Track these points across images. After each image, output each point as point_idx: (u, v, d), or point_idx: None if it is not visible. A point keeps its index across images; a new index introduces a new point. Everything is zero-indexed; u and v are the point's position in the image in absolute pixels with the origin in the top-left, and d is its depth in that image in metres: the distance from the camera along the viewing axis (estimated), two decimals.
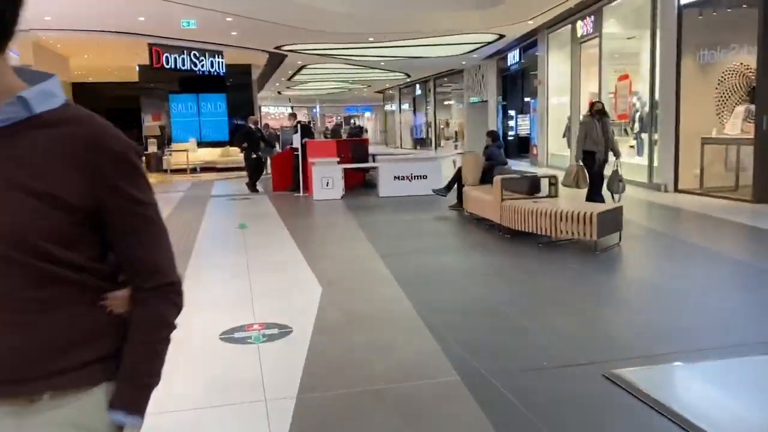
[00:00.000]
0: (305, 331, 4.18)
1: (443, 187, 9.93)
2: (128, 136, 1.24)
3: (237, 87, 22.61)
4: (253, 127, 13.49)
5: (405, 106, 37.93)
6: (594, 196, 8.42)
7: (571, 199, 7.87)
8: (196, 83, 22.01)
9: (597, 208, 6.67)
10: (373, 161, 13.71)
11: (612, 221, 6.57)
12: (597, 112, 8.54)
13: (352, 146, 13.61)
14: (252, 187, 13.32)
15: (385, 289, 5.25)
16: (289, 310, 4.68)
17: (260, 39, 17.14)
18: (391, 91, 39.64)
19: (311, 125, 27.19)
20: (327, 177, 11.62)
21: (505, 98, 23.71)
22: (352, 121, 58.43)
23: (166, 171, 19.73)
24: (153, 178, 18.02)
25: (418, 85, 33.70)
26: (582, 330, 4.21)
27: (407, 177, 11.84)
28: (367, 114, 58.35)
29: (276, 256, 6.70)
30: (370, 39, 17.41)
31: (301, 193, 12.52)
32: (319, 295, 5.07)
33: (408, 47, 19.49)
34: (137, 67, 21.49)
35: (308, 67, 24.56)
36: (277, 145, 15.65)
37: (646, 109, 12.55)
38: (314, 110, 56.99)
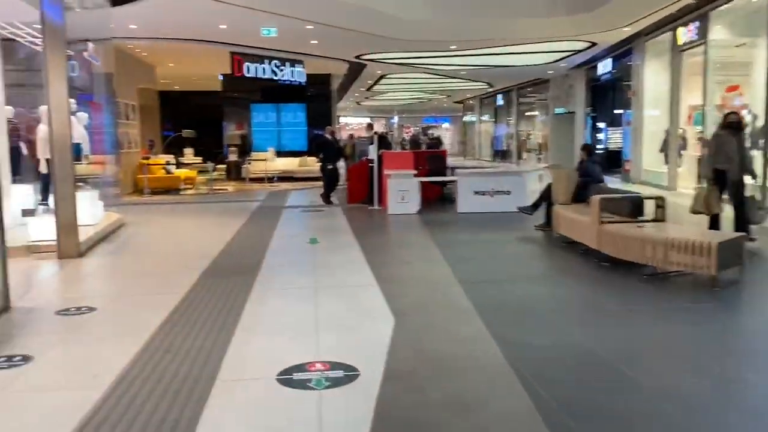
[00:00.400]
0: (374, 377, 3.59)
1: (530, 205, 9.15)
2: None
3: (316, 97, 22.54)
4: (329, 137, 13.14)
5: (485, 117, 37.01)
6: (740, 224, 7.22)
7: (682, 225, 6.93)
8: (276, 93, 22.10)
9: (716, 236, 5.74)
10: (452, 174, 13.05)
11: (733, 252, 5.64)
12: (732, 124, 7.45)
13: (430, 158, 13.01)
14: (326, 198, 12.96)
15: (466, 325, 4.59)
16: (357, 347, 4.11)
17: (340, 48, 16.87)
18: (471, 101, 38.81)
19: (388, 136, 26.86)
20: (403, 190, 11.06)
21: (595, 109, 22.46)
22: (429, 131, 57.95)
23: (244, 179, 19.82)
24: (231, 186, 18.08)
25: (500, 95, 32.73)
26: (718, 401, 3.39)
27: (488, 192, 11.11)
28: (445, 124, 57.69)
29: (346, 278, 6.18)
30: (452, 47, 16.79)
31: (376, 206, 12.02)
32: (391, 328, 4.48)
33: (491, 56, 18.74)
34: (220, 77, 21.81)
35: (388, 76, 24.21)
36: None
37: (759, 123, 11.27)
38: (392, 120, 56.91)
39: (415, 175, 11.30)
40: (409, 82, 27.25)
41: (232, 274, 6.21)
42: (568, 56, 19.44)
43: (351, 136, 21.37)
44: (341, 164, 13.74)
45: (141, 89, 22.53)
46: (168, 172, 17.31)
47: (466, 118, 41.77)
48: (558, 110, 25.21)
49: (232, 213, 11.78)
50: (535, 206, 8.95)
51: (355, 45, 16.32)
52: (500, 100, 33.11)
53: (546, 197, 8.77)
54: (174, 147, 27.18)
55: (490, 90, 31.89)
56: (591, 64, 21.03)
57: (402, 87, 29.62)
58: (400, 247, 8.12)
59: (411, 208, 11.05)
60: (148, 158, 20.44)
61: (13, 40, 10.45)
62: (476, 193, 11.11)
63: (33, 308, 5.08)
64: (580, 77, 22.89)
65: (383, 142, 12.78)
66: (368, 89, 29.14)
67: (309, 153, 21.91)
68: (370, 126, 13.48)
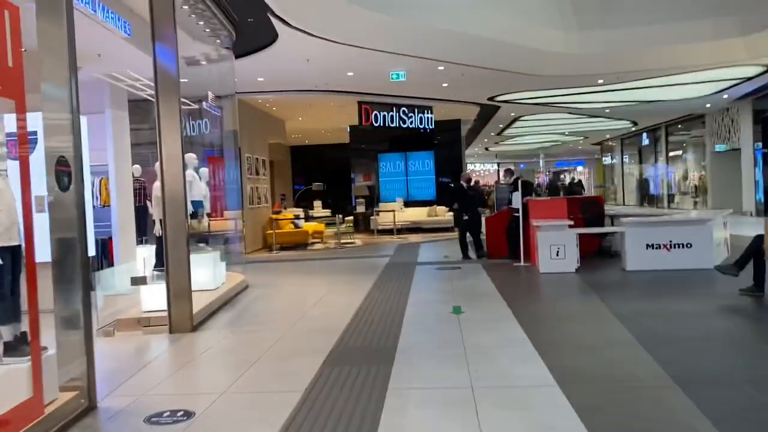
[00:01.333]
0: None
1: (733, 263, 7.17)
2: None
3: (445, 144, 21.49)
4: (465, 185, 11.82)
5: (626, 158, 34.11)
6: None
7: None
8: (404, 141, 21.36)
9: None
10: (612, 223, 11.20)
11: None
12: None
13: (584, 205, 11.25)
14: (464, 253, 11.58)
15: None
16: None
17: (472, 90, 15.71)
18: (611, 142, 36.07)
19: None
20: (557, 244, 9.41)
21: (766, 145, 19.45)
22: (562, 175, 54.99)
23: (372, 231, 18.96)
24: (359, 239, 17.21)
25: (645, 134, 29.96)
26: None
27: (665, 245, 9.16)
28: (579, 168, 54.60)
29: (510, 370, 4.68)
30: (600, 81, 15.04)
31: (522, 263, 10.43)
32: None
33: (641, 89, 16.70)
34: (348, 129, 21.43)
35: (521, 119, 22.69)
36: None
37: None
38: (521, 166, 54.89)
39: (571, 226, 9.63)
40: (545, 124, 25.51)
41: (363, 362, 4.93)
42: (733, 85, 16.94)
43: (477, 182, 20.00)
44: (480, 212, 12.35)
45: (272, 144, 22.71)
46: (296, 226, 16.80)
47: (606, 160, 38.88)
48: (719, 148, 22.28)
49: (361, 270, 10.71)
50: (741, 264, 6.97)
51: (489, 85, 15.08)
52: (645, 140, 30.29)
53: (756, 253, 6.79)
54: (304, 201, 27.36)
55: (634, 129, 29.26)
56: (759, 93, 18.28)
57: (536, 129, 27.89)
58: (570, 321, 6.48)
59: (568, 265, 9.35)
60: (279, 212, 20.29)
61: (147, 100, 10.29)
62: (649, 246, 9.20)
63: (120, 411, 4.08)
64: (745, 109, 20.06)
65: (527, 188, 11.25)
66: (499, 133, 27.71)
67: (438, 202, 20.78)
68: (509, 171, 12.04)
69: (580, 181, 30.10)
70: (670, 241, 9.16)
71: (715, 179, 22.82)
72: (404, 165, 21.73)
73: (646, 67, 13.93)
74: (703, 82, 16.30)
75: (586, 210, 10.94)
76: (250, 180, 15.31)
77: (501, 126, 24.42)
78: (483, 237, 11.85)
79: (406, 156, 21.65)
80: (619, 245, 10.21)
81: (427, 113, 17.60)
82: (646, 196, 30.59)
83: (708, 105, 20.84)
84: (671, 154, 28.15)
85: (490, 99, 17.10)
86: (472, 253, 11.69)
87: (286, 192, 29.12)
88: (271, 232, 14.95)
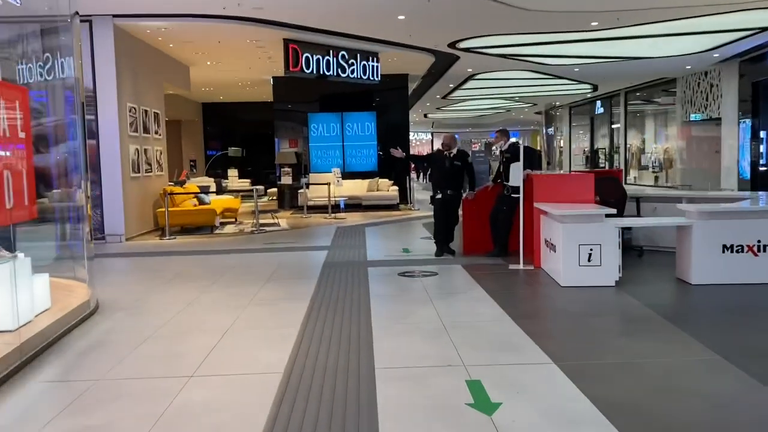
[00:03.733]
0: None
1: None
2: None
3: (388, 105, 17.93)
4: (447, 153, 8.39)
5: (574, 128, 31.73)
6: None
7: None
8: (340, 100, 17.67)
9: None
10: (637, 209, 8.11)
11: None
12: None
13: (599, 182, 8.06)
14: (440, 247, 8.23)
15: None
16: None
17: (434, 29, 12.18)
18: (557, 111, 33.58)
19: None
20: (589, 244, 6.16)
21: (756, 114, 17.05)
22: (493, 147, 52.66)
23: (301, 209, 15.31)
24: (284, 219, 13.51)
25: (599, 102, 27.48)
26: None
27: (750, 247, 6.09)
28: (513, 139, 52.36)
29: None
30: (593, 23, 11.87)
31: (521, 264, 7.19)
32: None
33: (631, 38, 13.72)
34: (271, 81, 17.49)
35: (476, 77, 19.40)
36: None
37: None
38: (456, 136, 51.95)
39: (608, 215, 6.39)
40: (497, 86, 22.37)
41: None
42: (735, 40, 14.24)
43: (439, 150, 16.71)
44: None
45: (172, 96, 18.38)
46: (202, 202, 12.91)
47: (550, 131, 36.48)
48: (694, 117, 19.85)
49: (286, 276, 7.14)
50: None
51: (457, 22, 11.60)
52: (600, 108, 27.83)
53: None
54: (219, 168, 23.21)
55: (590, 95, 26.68)
56: (753, 53, 15.75)
57: (484, 93, 24.75)
58: (677, 401, 3.21)
59: (605, 275, 6.14)
60: (183, 183, 16.22)
61: None
62: (726, 248, 6.10)
63: None
64: (730, 73, 17.55)
65: (531, 157, 7.93)
66: (445, 96, 24.40)
67: (380, 174, 17.32)
68: (503, 133, 8.66)
69: (538, 150, 27.29)
70: (759, 242, 6.09)
71: (687, 153, 20.47)
72: (340, 128, 18.06)
73: (652, 5, 10.84)
74: (706, 32, 13.49)
75: (601, 190, 7.73)
76: (134, 139, 11.27)
77: (451, 86, 21.07)
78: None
79: (342, 117, 17.98)
80: (637, 240, 7.10)
81: (372, 60, 13.96)
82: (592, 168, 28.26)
83: (688, 67, 18.25)
84: (632, 124, 25.78)
85: (452, 45, 13.65)
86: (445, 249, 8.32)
87: (196, 157, 24.88)
88: (163, 210, 11.06)
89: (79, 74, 6.30)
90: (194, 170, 23.69)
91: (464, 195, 8.33)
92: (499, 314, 5.20)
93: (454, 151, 8.26)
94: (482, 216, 8.27)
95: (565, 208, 6.51)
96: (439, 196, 8.14)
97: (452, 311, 5.38)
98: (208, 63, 14.89)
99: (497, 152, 8.66)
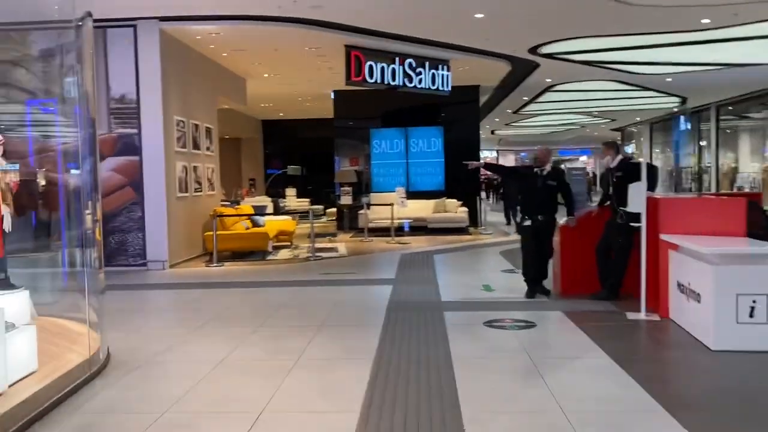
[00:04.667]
0: None
1: None
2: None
3: (457, 119, 16.48)
4: (539, 170, 6.85)
5: (656, 145, 29.38)
6: None
7: None
8: (404, 114, 16.39)
9: None
10: None
11: None
12: None
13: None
14: (533, 285, 6.69)
15: None
16: None
17: (517, 30, 10.74)
18: (635, 127, 31.29)
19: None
20: (754, 293, 4.52)
21: None
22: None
23: (361, 231, 14.04)
24: (342, 244, 12.23)
25: (682, 118, 25.22)
26: None
27: None
28: (583, 158, 49.94)
29: None
30: (705, 21, 10.14)
31: (643, 313, 5.58)
32: None
33: (745, 40, 11.86)
34: (332, 95, 16.40)
35: (553, 89, 17.75)
36: None
37: None
38: (522, 155, 50.27)
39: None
40: (576, 98, 20.61)
41: None
42: None
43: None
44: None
45: (228, 112, 17.56)
46: (256, 224, 11.81)
47: (627, 149, 34.09)
48: None
49: (342, 324, 5.79)
50: None
51: (545, 20, 10.11)
52: (684, 124, 25.54)
53: None
54: (280, 187, 22.32)
55: (676, 110, 24.46)
56: None
57: (560, 107, 22.99)
58: None
59: None
60: (238, 202, 15.26)
61: None
62: None
63: None
64: None
65: (652, 177, 6.31)
66: (517, 110, 22.78)
67: (448, 194, 15.84)
68: (610, 146, 6.96)
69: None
70: None
71: None
72: (404, 145, 16.75)
73: None
74: None
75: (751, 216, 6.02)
76: (181, 156, 10.26)
77: (525, 99, 19.46)
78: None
79: (407, 133, 16.69)
80: None
81: (443, 69, 12.60)
82: (679, 191, 25.85)
83: None
84: (726, 142, 23.38)
85: (532, 50, 12.15)
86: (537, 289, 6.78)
87: (256, 176, 24.11)
88: (210, 233, 9.97)
89: (90, 86, 5.16)
90: (253, 189, 22.89)
91: (561, 221, 6.78)
92: (644, 401, 3.65)
93: (548, 167, 6.72)
94: (584, 247, 6.71)
95: (712, 242, 4.90)
96: (529, 222, 6.62)
97: (573, 392, 3.85)
98: (266, 75, 13.89)
99: (594, 170, 7.05)
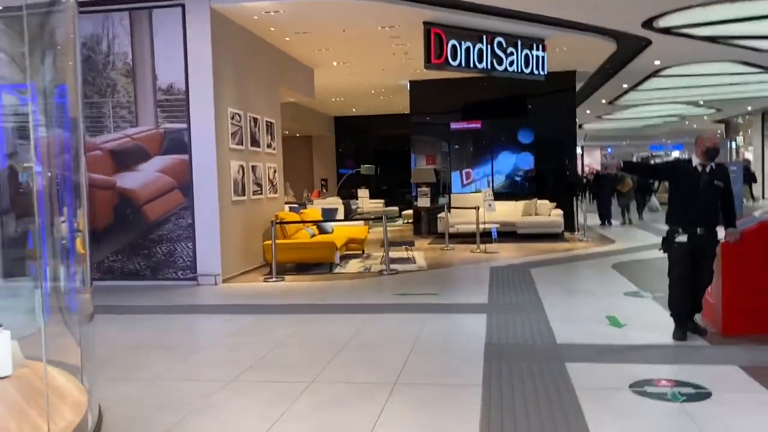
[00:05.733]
0: None
1: None
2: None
3: (548, 110, 14.56)
4: (701, 166, 4.99)
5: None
6: None
7: None
8: (486, 107, 14.67)
9: None
10: None
11: None
12: None
13: None
14: (683, 323, 4.89)
15: None
16: None
17: (629, 2, 8.84)
18: (747, 117, 28.02)
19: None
20: None
21: None
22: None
23: (441, 236, 12.47)
24: (419, 254, 10.67)
25: None
26: None
27: None
28: (676, 153, 46.01)
29: None
30: None
31: None
32: None
33: None
34: (408, 87, 14.89)
35: (660, 74, 15.48)
36: None
37: None
38: (608, 150, 47.05)
39: None
40: (683, 85, 18.15)
41: None
42: None
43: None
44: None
45: (301, 108, 16.40)
46: (322, 231, 10.45)
47: (734, 143, 30.72)
48: None
49: (424, 383, 4.21)
50: None
51: None
52: None
53: None
54: (353, 188, 21.03)
55: None
56: None
57: (662, 96, 20.47)
58: None
59: None
60: (304, 205, 14.01)
61: None
62: None
63: None
64: None
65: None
66: (612, 101, 20.47)
67: (539, 194, 13.94)
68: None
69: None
70: None
71: None
72: (488, 140, 15.03)
73: None
74: None
75: None
76: (237, 154, 8.99)
77: (625, 86, 17.23)
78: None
79: (491, 127, 14.96)
80: None
81: (537, 49, 10.78)
82: None
83: None
84: None
85: (647, 24, 10.16)
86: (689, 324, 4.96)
87: (328, 176, 22.93)
88: (269, 243, 8.65)
89: (72, 77, 3.85)
90: (324, 190, 21.72)
91: (724, 236, 4.93)
92: None
93: (713, 164, 4.87)
94: (753, 271, 4.86)
95: None
96: (684, 237, 4.80)
97: None
98: (335, 63, 12.51)
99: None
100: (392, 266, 9.03)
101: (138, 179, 8.49)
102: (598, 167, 30.35)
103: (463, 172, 15.01)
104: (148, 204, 8.48)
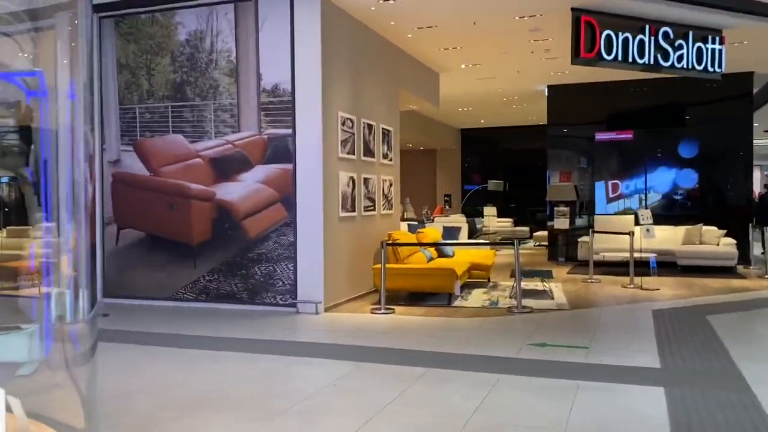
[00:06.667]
0: None
1: None
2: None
3: (715, 119, 12.25)
4: None
5: None
6: None
7: None
8: (637, 117, 12.65)
9: None
10: None
11: None
12: None
13: None
14: None
15: None
16: None
17: None
18: None
19: None
20: None
21: None
22: None
23: (581, 263, 10.68)
24: (558, 284, 8.97)
25: None
26: None
27: None
28: None
29: None
30: None
31: None
32: None
33: None
34: (546, 92, 13.21)
35: None
36: None
37: None
38: None
39: None
40: None
41: None
42: None
43: None
44: None
45: (427, 120, 15.24)
46: (442, 254, 9.11)
47: None
48: None
49: None
50: None
51: None
52: None
53: None
54: (479, 205, 19.51)
55: None
56: None
57: None
58: None
59: None
60: (422, 224, 12.74)
61: None
62: None
63: None
64: None
65: None
66: None
67: (704, 218, 11.64)
68: None
69: None
70: None
71: None
72: (640, 154, 12.94)
73: None
74: None
75: None
76: (347, 164, 7.87)
77: None
78: None
79: (644, 139, 12.87)
80: None
81: (713, 42, 8.75)
82: None
83: None
84: None
85: None
86: None
87: (452, 192, 21.52)
88: (378, 267, 7.42)
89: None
90: (448, 207, 20.36)
91: None
92: None
93: None
94: None
95: None
96: None
97: None
98: (463, 66, 11.15)
99: None
100: (525, 301, 7.45)
101: (238, 190, 7.60)
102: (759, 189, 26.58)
103: (609, 183, 12.98)
104: (248, 218, 7.57)
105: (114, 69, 8.06)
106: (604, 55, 8.03)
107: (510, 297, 8.11)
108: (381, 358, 5.27)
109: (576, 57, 7.96)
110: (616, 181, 13.08)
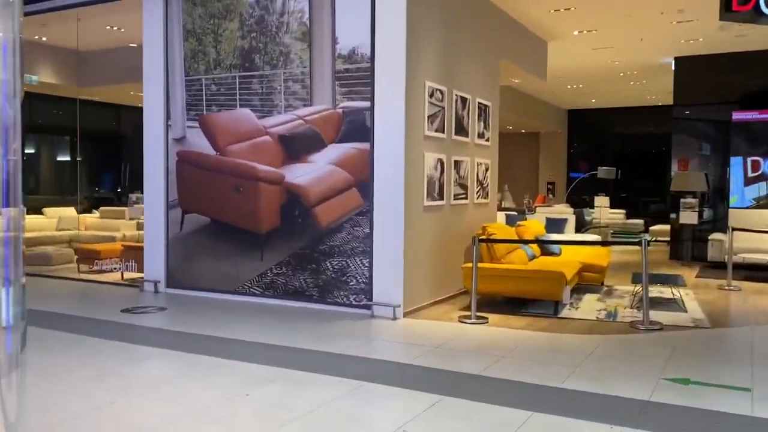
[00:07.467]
0: None
1: None
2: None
3: None
4: None
5: None
6: None
7: None
8: None
9: None
10: None
11: None
12: None
13: None
14: None
15: None
16: None
17: None
18: None
19: None
20: None
21: None
22: None
23: (713, 265, 8.96)
24: (689, 291, 7.39)
25: None
26: None
27: None
28: None
29: None
30: None
31: None
32: None
33: None
34: (672, 65, 11.40)
35: None
36: None
37: None
38: None
39: None
40: None
41: None
42: None
43: None
44: None
45: (530, 99, 13.75)
46: (546, 252, 7.77)
47: None
48: None
49: None
50: None
51: None
52: None
53: None
54: (586, 194, 17.73)
55: None
56: None
57: None
58: None
59: None
60: (523, 214, 11.36)
61: None
62: None
63: None
64: None
65: None
66: None
67: None
68: None
69: None
70: None
71: None
72: None
73: None
74: None
75: None
76: (435, 143, 6.70)
77: None
78: None
79: None
80: None
81: None
82: None
83: None
84: None
85: None
86: None
87: (556, 180, 19.77)
88: (468, 266, 6.23)
89: None
90: (551, 196, 18.70)
91: None
92: None
93: None
94: None
95: None
96: None
97: None
98: (576, 33, 9.63)
99: None
100: (651, 314, 6.00)
101: (309, 173, 6.64)
102: None
103: (749, 160, 10.94)
104: (320, 205, 6.59)
105: (180, 37, 7.30)
106: (764, 8, 6.33)
107: (631, 307, 6.67)
108: (469, 390, 4.10)
109: (726, 11, 6.31)
110: (757, 158, 11.02)
